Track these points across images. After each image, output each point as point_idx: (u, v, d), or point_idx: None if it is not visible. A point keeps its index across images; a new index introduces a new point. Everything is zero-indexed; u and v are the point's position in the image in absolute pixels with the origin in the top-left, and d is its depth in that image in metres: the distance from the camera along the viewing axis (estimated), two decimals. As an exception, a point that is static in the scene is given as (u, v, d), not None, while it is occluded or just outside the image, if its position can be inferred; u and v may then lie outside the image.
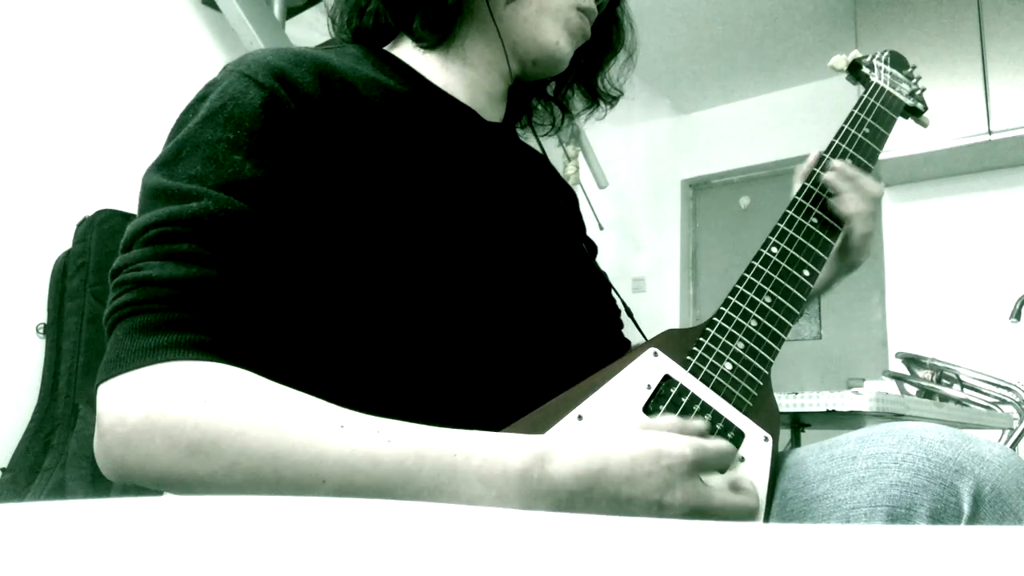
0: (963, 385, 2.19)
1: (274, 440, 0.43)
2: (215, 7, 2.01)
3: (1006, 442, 1.97)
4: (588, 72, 0.80)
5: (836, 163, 0.75)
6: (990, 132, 2.69)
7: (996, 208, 2.98)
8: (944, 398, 2.10)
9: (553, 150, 2.88)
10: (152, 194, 0.52)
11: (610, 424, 0.56)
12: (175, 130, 0.56)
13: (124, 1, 1.94)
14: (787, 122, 3.67)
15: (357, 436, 0.44)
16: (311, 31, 2.25)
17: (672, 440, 0.48)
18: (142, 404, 0.45)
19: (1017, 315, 2.22)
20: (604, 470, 0.45)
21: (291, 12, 2.19)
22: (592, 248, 0.82)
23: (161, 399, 0.45)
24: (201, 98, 0.57)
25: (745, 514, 0.50)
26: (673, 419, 0.53)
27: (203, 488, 0.44)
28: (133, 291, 0.48)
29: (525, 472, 0.45)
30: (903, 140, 2.75)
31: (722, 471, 0.57)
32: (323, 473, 0.43)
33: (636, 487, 0.45)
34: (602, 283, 0.79)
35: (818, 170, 0.76)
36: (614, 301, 0.80)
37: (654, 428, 0.51)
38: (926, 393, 2.14)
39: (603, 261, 0.85)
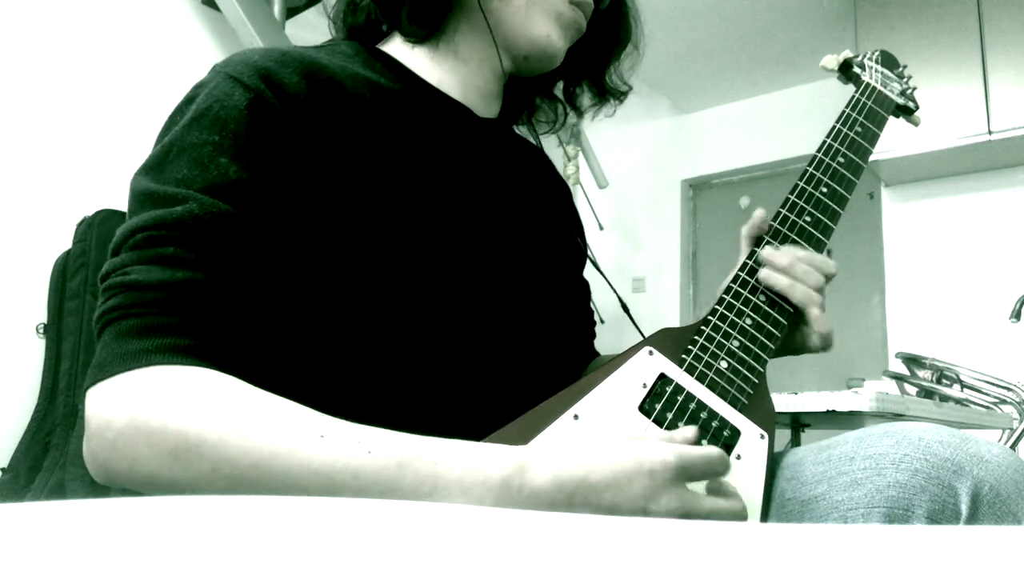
0: (963, 385, 2.19)
1: (254, 449, 0.43)
2: (215, 7, 2.01)
3: (1006, 442, 1.97)
4: (597, 68, 0.79)
5: (766, 253, 0.67)
6: (990, 132, 2.68)
7: (996, 208, 2.98)
8: (944, 398, 2.10)
9: (553, 150, 2.88)
10: (139, 198, 0.52)
11: (604, 425, 0.56)
12: (163, 132, 0.56)
13: (124, 1, 1.94)
14: (787, 122, 3.67)
15: (337, 446, 0.44)
16: (311, 31, 2.25)
17: (655, 447, 0.47)
18: (127, 409, 0.45)
19: (1017, 315, 2.21)
20: (585, 478, 0.45)
21: (291, 12, 2.18)
22: (583, 249, 0.81)
23: (145, 404, 0.45)
24: (189, 100, 0.56)
25: (733, 520, 0.49)
26: (661, 432, 0.53)
27: (187, 493, 0.44)
28: (120, 295, 0.49)
29: (506, 481, 0.44)
30: (903, 140, 2.75)
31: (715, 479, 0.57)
32: (303, 483, 0.43)
33: (619, 494, 0.45)
34: (583, 291, 0.78)
35: (758, 250, 0.69)
36: (591, 311, 0.79)
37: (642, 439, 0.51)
38: (926, 393, 2.14)
39: (603, 261, 0.84)
